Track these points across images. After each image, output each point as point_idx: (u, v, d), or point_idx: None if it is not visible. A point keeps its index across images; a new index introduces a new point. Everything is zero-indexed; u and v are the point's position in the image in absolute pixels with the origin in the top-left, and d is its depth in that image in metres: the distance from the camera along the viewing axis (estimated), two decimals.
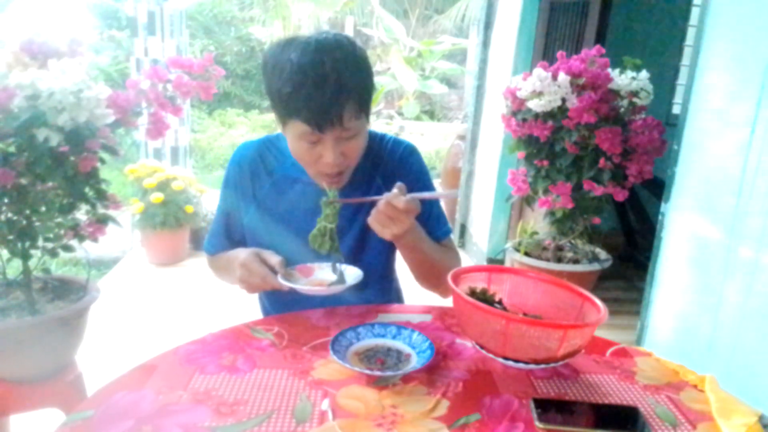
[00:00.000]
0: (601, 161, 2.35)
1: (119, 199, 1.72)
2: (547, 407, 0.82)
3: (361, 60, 1.04)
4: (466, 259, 4.05)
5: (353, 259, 1.13)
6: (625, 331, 2.34)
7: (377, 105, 8.62)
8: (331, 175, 1.09)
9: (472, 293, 1.03)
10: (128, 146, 5.85)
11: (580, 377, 0.93)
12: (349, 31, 11.37)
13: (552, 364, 0.93)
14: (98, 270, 3.42)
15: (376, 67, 10.74)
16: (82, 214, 1.64)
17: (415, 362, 0.91)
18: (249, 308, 1.44)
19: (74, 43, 1.59)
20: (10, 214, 1.54)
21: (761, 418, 0.81)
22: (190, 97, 1.74)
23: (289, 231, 1.17)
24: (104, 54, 7.64)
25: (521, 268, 1.69)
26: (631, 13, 3.96)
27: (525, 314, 1.05)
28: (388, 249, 1.25)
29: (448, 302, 1.04)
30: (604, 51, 2.41)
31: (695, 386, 0.92)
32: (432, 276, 1.23)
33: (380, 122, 8.63)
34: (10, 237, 1.55)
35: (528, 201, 2.73)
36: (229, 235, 1.27)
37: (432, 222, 1.22)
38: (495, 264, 3.25)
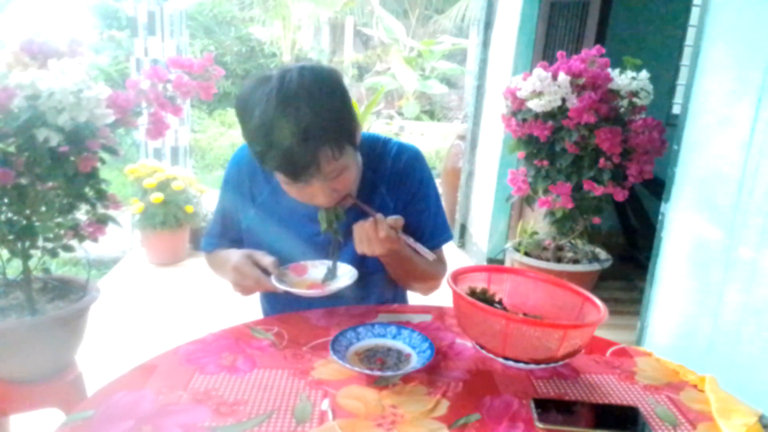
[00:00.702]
0: (601, 161, 2.35)
1: (119, 199, 1.72)
2: (547, 407, 0.82)
3: (330, 97, 0.96)
4: (466, 259, 4.05)
5: (358, 260, 1.12)
6: (625, 331, 2.34)
7: (377, 105, 8.61)
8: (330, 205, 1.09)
9: (472, 293, 1.03)
10: (128, 146, 5.85)
11: (580, 377, 0.93)
12: (349, 31, 11.39)
13: (552, 364, 0.93)
14: (98, 270, 3.42)
15: (376, 67, 10.75)
16: (82, 214, 1.64)
17: (415, 362, 0.91)
18: (249, 308, 1.43)
19: (74, 43, 1.59)
20: (10, 214, 1.54)
21: (761, 418, 0.81)
22: (190, 97, 1.74)
23: (287, 236, 1.17)
24: (104, 54, 7.64)
25: (521, 268, 1.69)
26: (631, 13, 3.96)
27: (525, 314, 1.05)
28: None
29: (448, 302, 1.04)
30: (604, 51, 2.41)
31: (695, 386, 0.92)
32: (407, 284, 1.27)
33: (380, 122, 8.63)
34: (10, 237, 1.55)
35: (528, 201, 2.73)
36: (226, 234, 1.26)
37: (430, 230, 1.21)
38: (495, 264, 3.25)
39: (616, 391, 0.90)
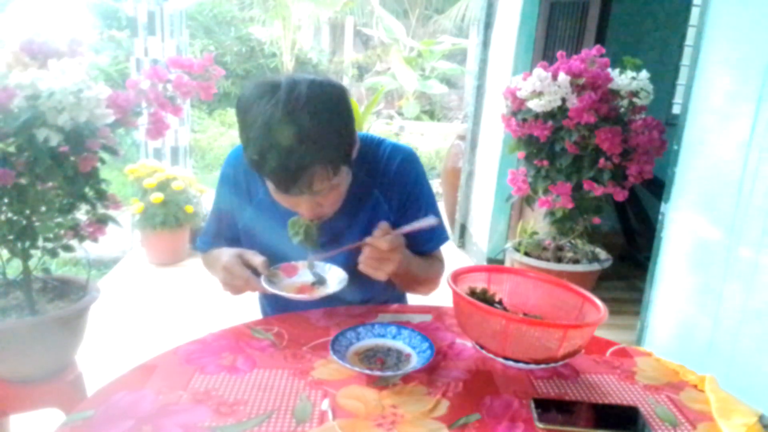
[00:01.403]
0: (601, 161, 2.35)
1: (119, 199, 1.72)
2: (547, 407, 0.82)
3: (335, 117, 0.96)
4: (466, 259, 4.05)
5: (355, 261, 1.12)
6: (625, 331, 2.34)
7: (377, 105, 8.61)
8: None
9: (472, 293, 1.03)
10: (128, 146, 5.85)
11: (580, 377, 0.93)
12: (349, 31, 11.39)
13: (552, 364, 0.93)
14: (98, 270, 3.42)
15: (376, 67, 10.76)
16: (82, 214, 1.65)
17: (415, 362, 0.91)
18: (249, 308, 1.44)
19: (74, 43, 1.60)
20: (10, 214, 1.54)
21: (761, 418, 0.81)
22: (190, 97, 1.74)
23: (284, 236, 1.16)
24: (104, 54, 7.64)
25: (521, 268, 1.69)
26: (631, 13, 3.96)
27: (525, 314, 1.05)
28: None
29: (448, 302, 1.04)
30: (604, 51, 2.41)
31: (695, 386, 0.92)
32: (409, 287, 1.27)
33: (380, 122, 8.63)
34: (10, 237, 1.55)
35: (528, 201, 2.72)
36: (221, 233, 1.25)
37: (426, 232, 1.19)
38: (495, 264, 3.25)
39: (616, 391, 0.90)
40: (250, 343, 0.99)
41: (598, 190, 2.36)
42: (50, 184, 1.52)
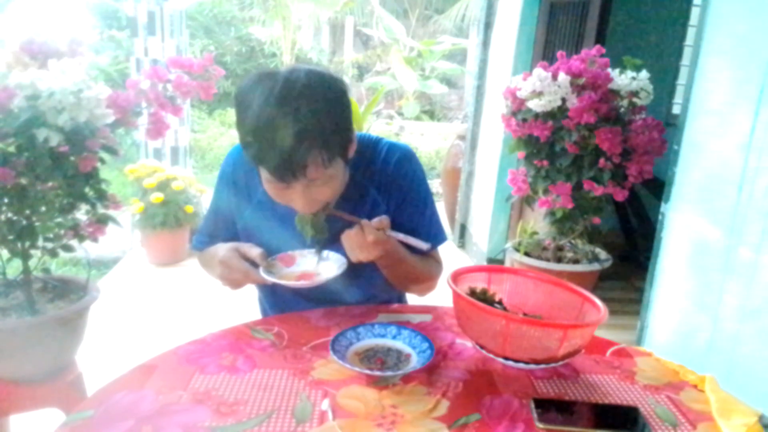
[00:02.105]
0: (601, 161, 2.35)
1: (119, 199, 1.72)
2: (547, 407, 0.82)
3: (332, 104, 0.95)
4: (466, 259, 4.05)
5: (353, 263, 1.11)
6: (625, 331, 2.34)
7: (377, 105, 8.61)
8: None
9: (472, 293, 1.03)
10: (128, 146, 5.85)
11: (580, 377, 0.93)
12: (349, 31, 11.39)
13: (552, 364, 0.93)
14: (98, 270, 3.42)
15: (376, 67, 10.75)
16: (82, 214, 1.65)
17: (415, 362, 0.91)
18: (249, 308, 1.44)
19: (74, 43, 1.60)
20: (10, 214, 1.54)
21: (761, 418, 0.81)
22: (190, 97, 1.74)
23: (284, 235, 1.16)
24: (104, 54, 7.64)
25: (521, 268, 1.69)
26: (631, 13, 3.96)
27: (525, 314, 1.05)
28: None
29: (448, 302, 1.04)
30: (604, 51, 2.41)
31: (695, 386, 0.92)
32: (403, 285, 1.26)
33: (380, 122, 8.62)
34: (10, 237, 1.55)
35: (528, 201, 2.72)
36: (218, 232, 1.24)
37: (424, 231, 1.19)
38: (495, 264, 3.25)
39: (616, 391, 0.90)
40: (250, 343, 0.99)
41: (598, 190, 2.36)
42: (50, 184, 1.52)
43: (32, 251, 1.61)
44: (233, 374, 0.88)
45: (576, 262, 2.68)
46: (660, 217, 2.03)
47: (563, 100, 2.37)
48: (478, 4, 4.55)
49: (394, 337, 0.98)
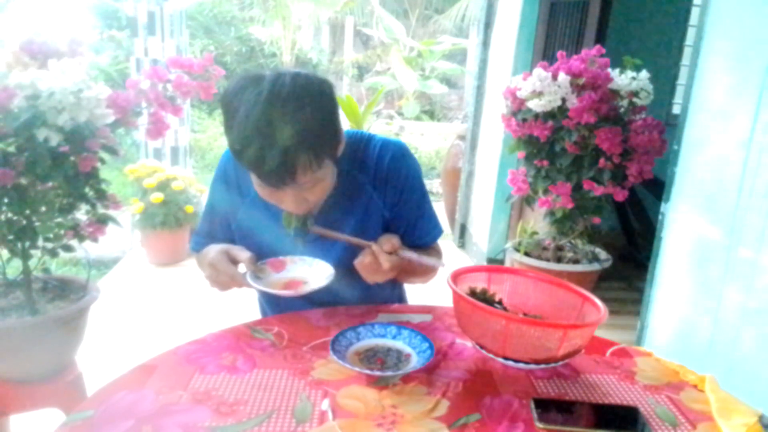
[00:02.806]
0: (601, 161, 2.35)
1: (119, 199, 1.72)
2: (547, 407, 0.82)
3: (319, 108, 0.94)
4: (466, 259, 4.05)
5: (350, 256, 1.12)
6: (625, 331, 2.34)
7: (377, 105, 8.62)
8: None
9: (472, 293, 1.03)
10: (128, 146, 5.85)
11: (580, 377, 0.93)
12: (349, 31, 11.39)
13: (552, 364, 0.93)
14: (98, 270, 3.42)
15: (376, 67, 10.75)
16: (82, 214, 1.65)
17: (415, 362, 0.91)
18: (249, 308, 1.44)
19: (74, 43, 1.60)
20: (10, 214, 1.54)
21: (761, 418, 0.81)
22: (190, 97, 1.74)
23: (277, 234, 1.16)
24: (104, 54, 7.64)
25: (521, 268, 1.69)
26: (631, 13, 3.96)
27: (525, 314, 1.05)
28: None
29: (448, 302, 1.04)
30: (604, 51, 2.41)
31: (695, 386, 0.92)
32: (410, 281, 1.28)
33: (380, 122, 8.63)
34: (10, 237, 1.55)
35: (528, 201, 2.72)
36: (214, 233, 1.24)
37: (422, 227, 1.21)
38: (495, 264, 3.25)
39: (616, 391, 0.90)
40: (250, 343, 0.99)
41: (598, 190, 2.36)
42: (50, 184, 1.53)
43: (32, 251, 1.61)
44: (233, 374, 0.88)
45: (576, 262, 2.68)
46: (660, 217, 2.03)
47: (563, 100, 2.37)
48: (478, 4, 4.55)
49: (394, 337, 0.98)
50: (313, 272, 1.09)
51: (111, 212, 1.69)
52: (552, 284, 1.06)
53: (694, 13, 3.85)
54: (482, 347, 0.96)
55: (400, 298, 1.37)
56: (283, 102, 0.91)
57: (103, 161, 1.59)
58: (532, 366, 0.92)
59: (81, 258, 1.97)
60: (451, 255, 4.10)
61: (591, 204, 2.50)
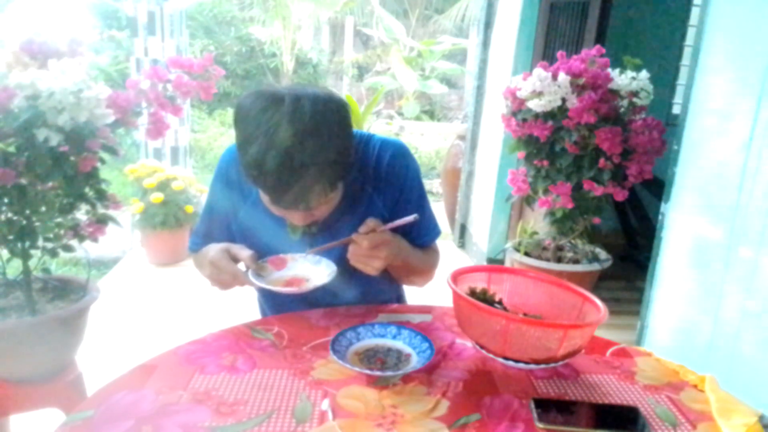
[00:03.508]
0: (601, 161, 2.35)
1: (119, 199, 1.72)
2: (547, 407, 0.82)
3: (336, 136, 0.94)
4: (466, 259, 4.05)
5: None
6: (625, 331, 2.34)
7: (377, 105, 8.61)
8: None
9: (472, 293, 1.03)
10: (128, 146, 5.85)
11: (580, 377, 0.93)
12: (349, 31, 11.39)
13: (552, 364, 0.93)
14: (98, 270, 3.42)
15: (376, 67, 10.75)
16: (82, 214, 1.65)
17: (415, 362, 0.91)
18: (249, 308, 1.44)
19: (74, 43, 1.60)
20: (10, 214, 1.54)
21: (761, 418, 0.81)
22: (190, 97, 1.74)
23: (279, 235, 1.16)
24: (104, 54, 7.64)
25: (521, 268, 1.69)
26: (631, 13, 3.96)
27: (525, 314, 1.05)
28: None
29: (448, 302, 1.04)
30: (604, 51, 2.41)
31: (695, 386, 0.92)
32: (407, 279, 1.28)
33: (380, 122, 8.63)
34: (10, 237, 1.55)
35: (528, 201, 2.72)
36: (212, 233, 1.24)
37: (420, 227, 1.20)
38: (495, 264, 3.25)
39: (616, 391, 0.90)
40: (250, 343, 0.99)
41: (598, 190, 2.36)
42: (50, 184, 1.52)
43: (32, 251, 1.61)
44: (233, 374, 0.88)
45: (576, 262, 2.68)
46: (660, 217, 2.03)
47: (563, 100, 2.37)
48: (478, 4, 4.55)
49: (394, 337, 0.98)
50: (314, 269, 1.10)
51: (111, 212, 1.69)
52: (552, 284, 1.06)
53: (694, 13, 3.85)
54: (482, 347, 0.96)
55: (400, 298, 1.37)
56: (303, 132, 0.90)
57: (103, 161, 1.59)
58: (532, 366, 0.92)
59: (81, 258, 1.97)
60: (451, 255, 4.10)
61: (591, 204, 2.50)
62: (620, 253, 3.45)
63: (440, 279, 1.13)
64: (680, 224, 1.94)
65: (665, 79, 3.98)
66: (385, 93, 9.49)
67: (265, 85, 0.99)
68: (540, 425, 0.78)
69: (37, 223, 1.56)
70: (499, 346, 0.90)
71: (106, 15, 8.29)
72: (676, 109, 4.07)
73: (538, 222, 2.94)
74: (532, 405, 0.82)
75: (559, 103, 2.37)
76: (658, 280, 2.04)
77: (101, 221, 1.67)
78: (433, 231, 1.24)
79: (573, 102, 2.33)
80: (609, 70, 2.38)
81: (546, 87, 2.35)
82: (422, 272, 1.24)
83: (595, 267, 2.64)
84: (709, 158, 1.80)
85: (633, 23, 3.99)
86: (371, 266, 1.04)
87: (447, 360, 0.96)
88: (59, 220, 1.59)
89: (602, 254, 2.74)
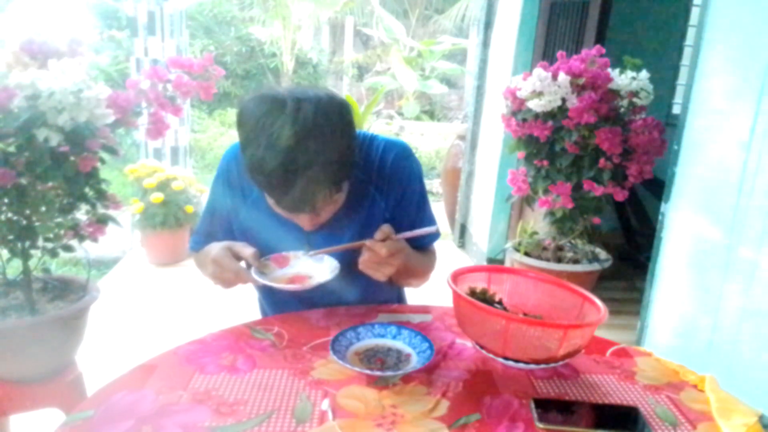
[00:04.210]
0: (601, 161, 2.35)
1: (119, 199, 1.72)
2: (547, 407, 0.82)
3: (340, 139, 0.95)
4: (466, 259, 4.05)
5: (352, 260, 1.12)
6: (625, 331, 2.34)
7: (377, 105, 8.61)
8: None
9: (472, 293, 1.03)
10: (128, 146, 5.85)
11: (580, 377, 0.93)
12: (349, 31, 11.39)
13: (552, 364, 0.93)
14: (98, 270, 3.42)
15: (376, 67, 10.75)
16: (82, 214, 1.65)
17: (415, 362, 0.91)
18: (249, 308, 1.44)
19: (74, 43, 1.60)
20: (10, 214, 1.54)
21: (761, 418, 0.81)
22: (190, 97, 1.74)
23: (280, 234, 1.16)
24: (104, 54, 7.64)
25: (521, 268, 1.69)
26: (631, 13, 3.96)
27: (525, 314, 1.05)
28: None
29: (448, 302, 1.04)
30: (604, 51, 2.41)
31: (695, 386, 0.92)
32: (405, 281, 1.28)
33: (380, 122, 8.63)
34: (10, 237, 1.55)
35: (528, 201, 2.72)
36: (214, 233, 1.24)
37: (422, 228, 1.20)
38: (495, 264, 3.25)
39: (616, 391, 0.90)
40: (250, 343, 0.99)
41: (598, 190, 2.36)
42: (50, 184, 1.52)
43: (32, 251, 1.61)
44: (233, 374, 0.88)
45: (576, 262, 2.68)
46: (660, 217, 2.03)
47: (563, 100, 2.37)
48: (478, 4, 4.55)
49: (394, 337, 0.98)
50: (317, 267, 1.10)
51: (111, 212, 1.69)
52: (552, 284, 1.06)
53: (694, 13, 3.85)
54: (482, 347, 0.96)
55: (400, 298, 1.37)
56: (305, 136, 0.91)
57: (103, 161, 1.59)
58: (532, 366, 0.92)
59: (81, 258, 1.97)
60: (451, 255, 4.10)
61: (591, 204, 2.50)
62: (620, 253, 3.45)
63: (440, 279, 1.13)
64: (680, 224, 1.94)
65: (665, 79, 3.98)
66: (385, 93, 9.49)
67: (267, 87, 0.99)
68: (540, 425, 0.78)
69: (37, 223, 1.56)
70: (499, 346, 0.90)
71: (106, 15, 8.29)
72: (676, 109, 4.07)
73: (538, 222, 2.93)
74: (532, 405, 0.82)
75: (559, 103, 2.37)
76: (658, 280, 2.04)
77: (101, 221, 1.66)
78: (434, 234, 1.24)
79: (573, 102, 2.33)
80: (609, 70, 2.38)
81: (546, 87, 2.35)
82: (420, 274, 1.24)
83: (595, 267, 2.64)
84: (709, 158, 1.80)
85: (633, 23, 3.99)
86: (382, 272, 1.05)
87: (447, 360, 0.96)
88: (59, 220, 1.59)
89: (602, 254, 2.74)
